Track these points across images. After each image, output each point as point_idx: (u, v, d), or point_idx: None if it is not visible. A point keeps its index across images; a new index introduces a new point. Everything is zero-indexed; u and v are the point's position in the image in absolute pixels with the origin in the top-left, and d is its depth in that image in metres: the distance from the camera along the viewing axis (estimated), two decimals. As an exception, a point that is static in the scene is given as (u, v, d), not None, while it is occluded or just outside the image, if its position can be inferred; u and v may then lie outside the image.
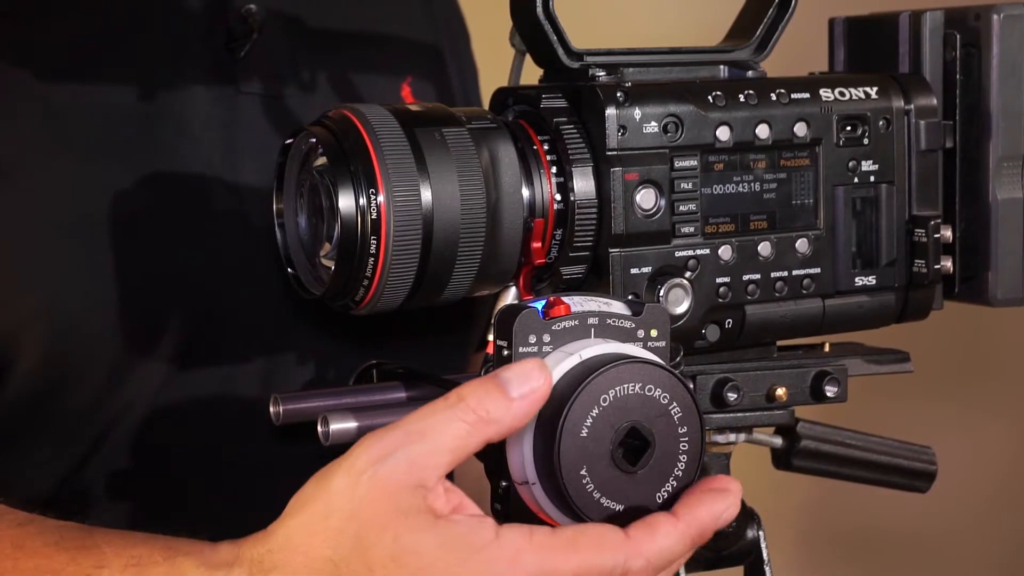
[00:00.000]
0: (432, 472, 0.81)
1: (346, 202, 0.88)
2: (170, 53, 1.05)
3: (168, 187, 1.03)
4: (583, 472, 0.82)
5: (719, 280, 0.95)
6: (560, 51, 0.94)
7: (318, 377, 1.09)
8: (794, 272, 0.97)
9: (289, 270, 0.95)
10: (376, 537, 0.80)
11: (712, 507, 0.83)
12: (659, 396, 0.83)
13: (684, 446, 0.84)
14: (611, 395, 0.82)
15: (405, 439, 0.81)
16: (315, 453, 1.06)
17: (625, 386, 0.82)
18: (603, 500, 0.83)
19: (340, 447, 0.87)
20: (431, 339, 1.13)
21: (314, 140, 0.91)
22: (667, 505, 0.84)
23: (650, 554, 0.81)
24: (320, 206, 0.91)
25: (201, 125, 1.05)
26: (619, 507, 0.83)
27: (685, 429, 0.84)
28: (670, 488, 0.84)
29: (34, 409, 1.01)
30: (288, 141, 0.93)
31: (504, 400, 0.81)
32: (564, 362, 0.84)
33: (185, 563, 0.85)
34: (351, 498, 0.81)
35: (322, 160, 0.91)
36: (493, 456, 0.86)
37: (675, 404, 0.84)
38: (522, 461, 0.84)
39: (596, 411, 0.82)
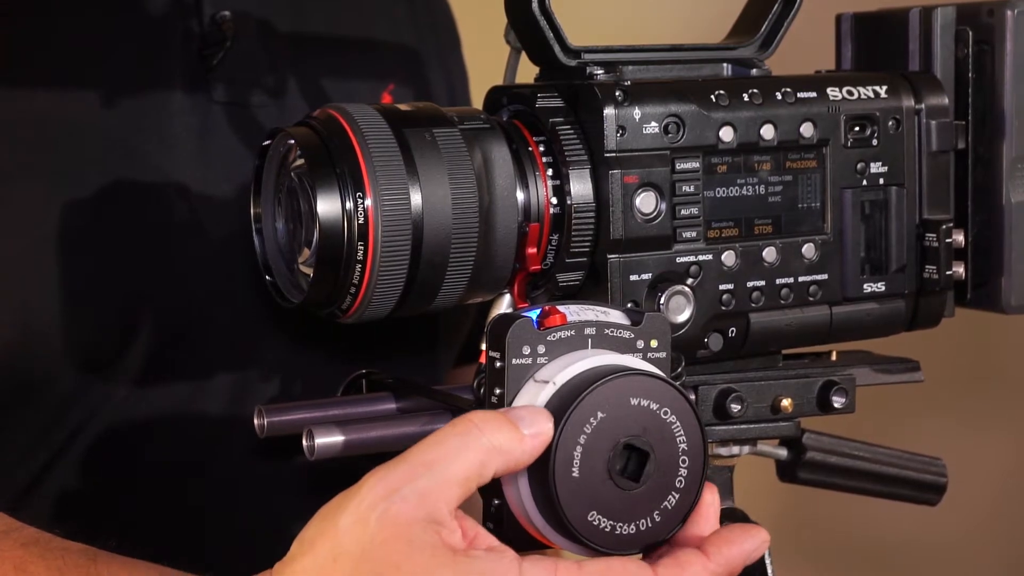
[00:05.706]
0: (443, 506, 0.79)
1: (329, 206, 0.86)
2: (144, 62, 1.04)
3: (139, 200, 1.02)
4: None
5: (722, 287, 0.94)
6: (556, 48, 0.93)
7: (286, 391, 1.07)
8: (800, 278, 0.96)
9: (267, 277, 0.93)
10: None
11: (743, 545, 0.83)
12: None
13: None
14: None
15: (412, 472, 0.79)
16: (286, 470, 1.05)
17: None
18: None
19: (320, 463, 0.86)
20: (404, 352, 1.12)
21: (292, 142, 0.90)
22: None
23: None
24: (298, 210, 0.90)
25: (174, 135, 1.04)
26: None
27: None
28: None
29: None
30: (265, 143, 0.92)
31: (516, 433, 0.79)
32: (565, 369, 0.82)
33: None
34: (360, 538, 0.78)
35: (300, 162, 0.89)
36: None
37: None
38: (514, 476, 0.82)
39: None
